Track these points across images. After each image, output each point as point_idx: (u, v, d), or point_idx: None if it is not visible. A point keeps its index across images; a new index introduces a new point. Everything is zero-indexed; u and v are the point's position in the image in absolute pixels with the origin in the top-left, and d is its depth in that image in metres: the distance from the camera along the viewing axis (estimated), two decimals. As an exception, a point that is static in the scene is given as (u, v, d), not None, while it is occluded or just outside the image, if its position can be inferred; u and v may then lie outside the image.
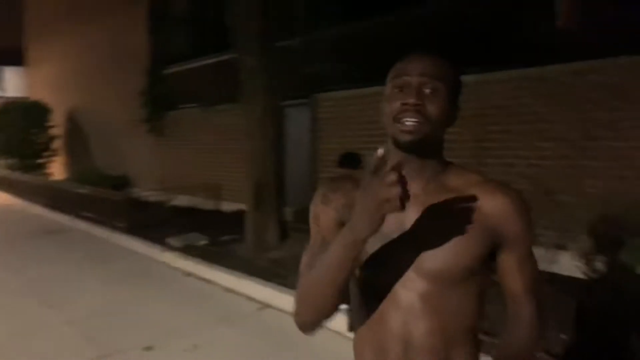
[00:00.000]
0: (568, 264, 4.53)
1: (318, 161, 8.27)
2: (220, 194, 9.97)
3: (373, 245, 1.07)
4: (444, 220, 1.07)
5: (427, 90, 1.06)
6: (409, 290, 1.08)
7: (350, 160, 4.42)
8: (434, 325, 1.07)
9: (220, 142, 10.28)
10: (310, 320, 1.16)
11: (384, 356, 1.11)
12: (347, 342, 4.56)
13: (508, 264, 1.13)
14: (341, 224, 1.09)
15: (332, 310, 1.11)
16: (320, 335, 4.55)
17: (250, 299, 5.15)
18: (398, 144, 1.08)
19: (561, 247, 4.90)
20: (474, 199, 1.08)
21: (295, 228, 5.26)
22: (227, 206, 9.72)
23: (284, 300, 4.82)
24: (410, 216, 1.08)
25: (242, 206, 7.59)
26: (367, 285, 1.14)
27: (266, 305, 4.95)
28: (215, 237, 7.32)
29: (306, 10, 8.86)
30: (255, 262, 5.92)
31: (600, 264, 3.70)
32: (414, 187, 1.05)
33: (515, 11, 5.53)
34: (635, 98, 4.79)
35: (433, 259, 1.06)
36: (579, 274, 4.36)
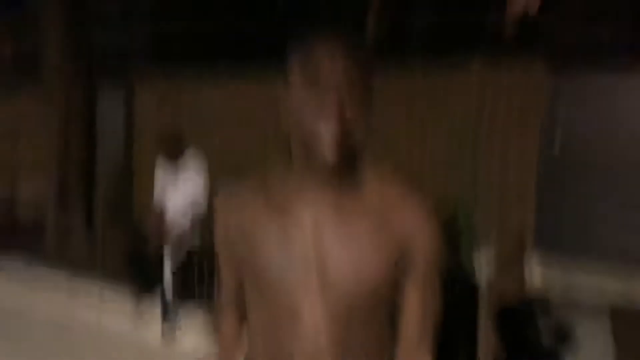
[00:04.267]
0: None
1: (134, 155, 7.75)
2: (16, 196, 8.79)
3: (277, 271, 0.96)
4: (353, 241, 0.95)
5: (347, 90, 0.88)
6: (316, 321, 0.95)
7: (174, 144, 4.28)
8: (340, 358, 0.96)
9: (13, 133, 9.01)
10: None
11: None
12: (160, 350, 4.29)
13: (407, 287, 1.00)
14: (234, 251, 1.03)
15: None
16: (129, 344, 4.24)
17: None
18: (316, 164, 0.93)
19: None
20: (385, 209, 0.98)
21: (107, 233, 4.89)
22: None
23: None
24: (319, 238, 0.96)
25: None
26: (267, 315, 1.00)
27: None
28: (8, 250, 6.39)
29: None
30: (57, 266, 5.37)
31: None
32: (321, 204, 0.96)
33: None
34: (423, 99, 5.43)
35: (344, 285, 0.94)
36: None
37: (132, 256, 4.18)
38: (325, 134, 0.87)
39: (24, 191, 8.75)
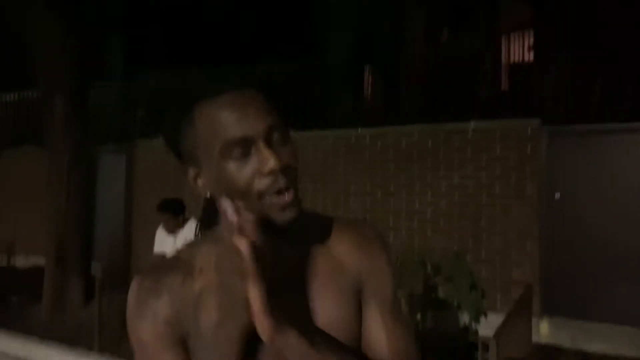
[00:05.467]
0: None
1: (133, 211, 7.80)
2: (13, 248, 8.73)
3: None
4: (313, 295, 0.83)
5: (278, 142, 0.79)
6: None
7: (173, 206, 4.29)
8: None
9: (14, 189, 9.09)
10: None
11: None
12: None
13: (368, 313, 0.87)
14: (179, 341, 0.80)
15: None
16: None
17: (46, 369, 4.53)
18: (271, 222, 0.79)
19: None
20: (333, 251, 0.87)
21: (104, 286, 4.82)
22: (23, 261, 8.54)
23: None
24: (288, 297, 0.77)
25: (40, 260, 6.74)
26: None
27: (65, 375, 4.40)
28: (4, 297, 6.33)
29: (127, 53, 8.57)
30: (53, 326, 5.25)
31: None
32: (266, 261, 0.75)
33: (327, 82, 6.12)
34: (422, 160, 5.57)
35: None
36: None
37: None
38: (271, 186, 0.77)
39: (23, 244, 8.72)
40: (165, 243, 4.36)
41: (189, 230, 4.29)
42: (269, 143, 0.77)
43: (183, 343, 0.81)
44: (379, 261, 0.90)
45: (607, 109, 4.84)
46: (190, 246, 0.87)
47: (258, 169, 0.76)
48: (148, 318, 0.81)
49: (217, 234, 0.85)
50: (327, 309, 0.83)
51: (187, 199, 4.80)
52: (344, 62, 6.26)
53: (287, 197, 0.78)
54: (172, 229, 4.27)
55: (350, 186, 5.95)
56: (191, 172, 0.84)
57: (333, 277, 0.85)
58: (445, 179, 5.44)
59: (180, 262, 0.84)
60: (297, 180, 0.81)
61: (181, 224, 4.29)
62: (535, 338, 4.61)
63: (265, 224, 0.76)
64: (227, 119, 0.77)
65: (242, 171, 0.77)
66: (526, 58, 5.93)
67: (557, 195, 5.01)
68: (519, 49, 5.81)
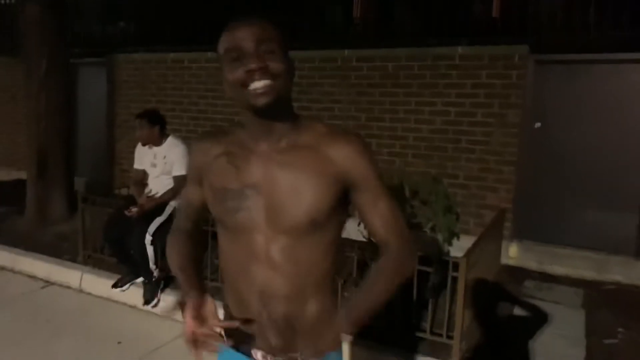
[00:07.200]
0: (354, 230, 5.06)
1: (115, 127, 7.71)
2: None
3: (231, 202, 1.17)
4: (294, 175, 1.13)
5: (265, 52, 1.08)
6: (266, 244, 1.15)
7: (152, 117, 4.26)
8: (290, 274, 1.15)
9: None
10: None
11: (246, 307, 1.20)
12: (141, 315, 4.42)
13: (363, 204, 1.20)
14: (199, 179, 1.27)
15: None
16: (110, 310, 4.32)
17: (31, 277, 4.65)
18: (254, 109, 1.11)
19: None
20: (321, 150, 1.15)
21: (86, 199, 4.86)
22: (4, 174, 8.51)
23: (70, 276, 4.48)
24: (264, 174, 1.15)
25: (22, 174, 6.73)
26: (229, 240, 1.21)
27: (50, 283, 4.53)
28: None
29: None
30: (37, 237, 5.33)
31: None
32: (265, 146, 1.16)
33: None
34: (407, 85, 5.51)
35: (287, 214, 1.13)
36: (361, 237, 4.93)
37: (111, 223, 4.15)
38: (250, 79, 1.07)
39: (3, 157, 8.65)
40: (145, 158, 4.35)
41: (167, 146, 4.27)
42: (255, 52, 1.07)
43: (200, 183, 1.27)
44: (368, 167, 1.19)
45: (598, 39, 4.76)
46: (235, 124, 1.26)
47: (244, 67, 1.07)
48: (189, 163, 1.35)
49: (244, 126, 1.21)
50: (301, 180, 1.13)
51: (168, 116, 4.76)
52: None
53: (261, 86, 1.07)
54: (152, 144, 4.25)
55: (334, 108, 5.91)
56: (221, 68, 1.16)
57: (315, 164, 1.14)
58: (428, 105, 5.42)
59: (220, 132, 1.27)
60: (278, 80, 1.09)
61: (161, 140, 4.26)
62: (504, 260, 4.84)
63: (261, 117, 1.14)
64: (230, 35, 1.11)
65: (234, 70, 1.09)
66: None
67: (538, 124, 5.04)
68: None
